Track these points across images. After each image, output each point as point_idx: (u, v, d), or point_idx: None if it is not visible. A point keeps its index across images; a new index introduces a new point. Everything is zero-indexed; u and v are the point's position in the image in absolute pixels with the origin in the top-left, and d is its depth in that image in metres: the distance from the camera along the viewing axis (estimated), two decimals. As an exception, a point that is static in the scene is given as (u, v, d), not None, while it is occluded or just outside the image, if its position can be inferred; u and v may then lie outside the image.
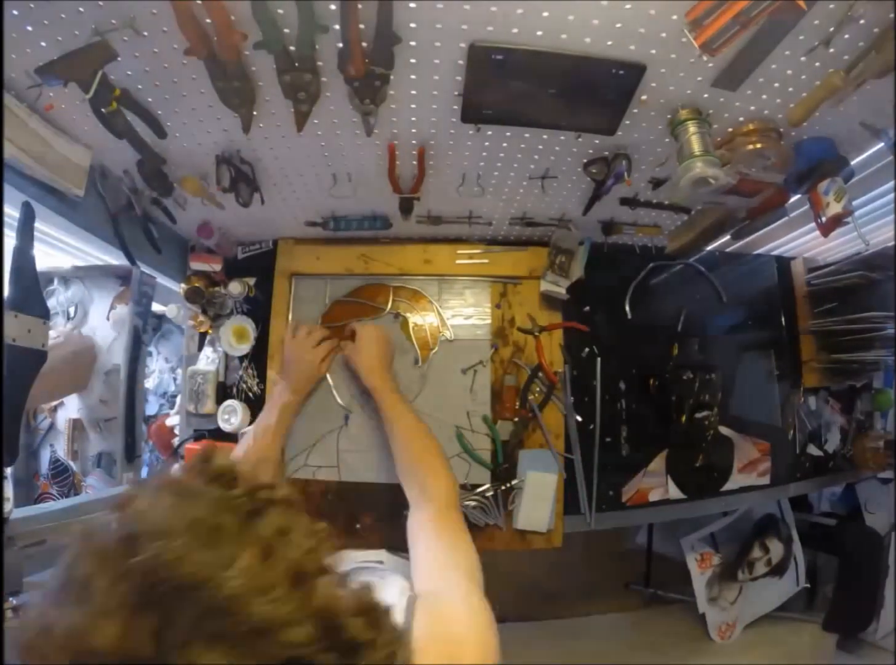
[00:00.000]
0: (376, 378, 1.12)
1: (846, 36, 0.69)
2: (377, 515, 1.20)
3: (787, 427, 1.48)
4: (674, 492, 1.34)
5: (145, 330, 1.37)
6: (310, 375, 1.19)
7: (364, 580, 0.47)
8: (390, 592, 0.61)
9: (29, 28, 0.67)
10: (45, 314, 0.90)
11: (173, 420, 1.40)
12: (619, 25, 0.68)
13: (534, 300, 1.31)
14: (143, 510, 0.41)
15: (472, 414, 1.26)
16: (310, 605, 0.39)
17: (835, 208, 0.93)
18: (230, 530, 0.40)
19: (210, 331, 1.30)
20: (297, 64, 0.73)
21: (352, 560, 0.91)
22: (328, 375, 1.26)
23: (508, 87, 0.78)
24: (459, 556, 0.73)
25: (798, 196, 1.05)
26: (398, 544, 0.96)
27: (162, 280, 1.37)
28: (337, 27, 0.67)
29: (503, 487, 1.23)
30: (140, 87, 0.78)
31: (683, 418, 1.34)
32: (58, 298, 1.42)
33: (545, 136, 0.93)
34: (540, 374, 1.27)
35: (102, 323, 1.40)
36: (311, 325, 1.23)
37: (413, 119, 0.87)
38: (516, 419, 1.26)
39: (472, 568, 0.71)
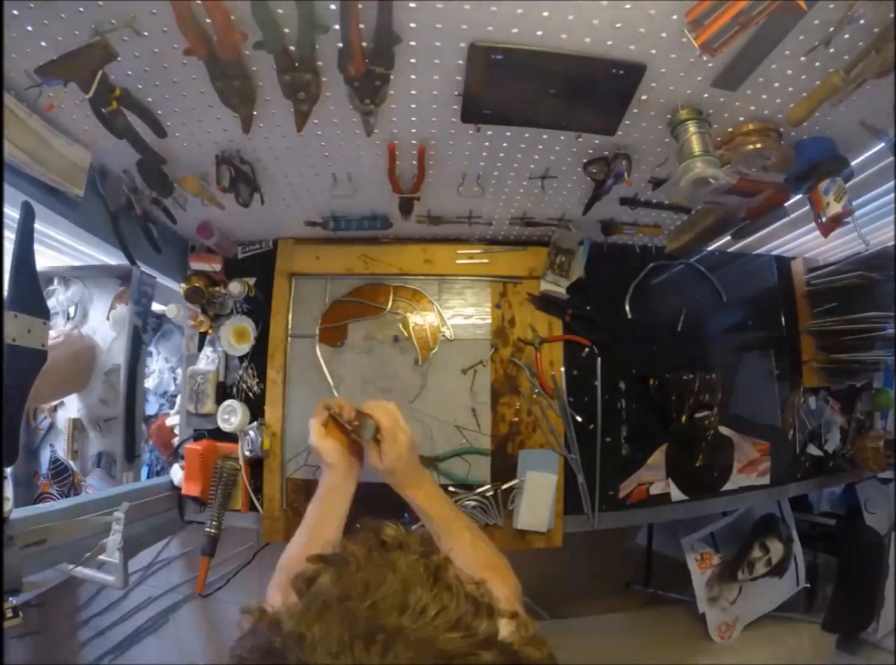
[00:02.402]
0: (411, 481, 0.93)
1: (846, 36, 0.69)
2: (377, 516, 1.19)
3: (787, 427, 1.48)
4: (674, 491, 1.34)
5: (145, 330, 1.38)
6: (347, 466, 0.95)
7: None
8: None
9: (29, 28, 0.67)
10: (45, 314, 0.90)
11: (173, 420, 1.41)
12: (619, 25, 0.68)
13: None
14: (347, 580, 0.43)
15: (471, 414, 1.26)
16: (494, 632, 0.42)
17: (835, 208, 0.93)
18: (423, 581, 0.43)
19: (210, 331, 1.30)
20: (297, 64, 0.73)
21: None
22: (328, 376, 1.26)
23: (508, 87, 0.78)
24: None
25: (798, 196, 1.05)
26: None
27: (162, 280, 1.37)
28: (337, 27, 0.67)
29: (503, 487, 1.23)
30: (140, 86, 0.78)
31: (683, 418, 1.34)
32: (58, 298, 1.42)
33: (545, 136, 0.93)
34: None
35: (102, 323, 1.41)
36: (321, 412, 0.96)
37: (413, 119, 0.87)
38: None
39: None
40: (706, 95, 0.81)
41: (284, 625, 0.40)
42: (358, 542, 0.50)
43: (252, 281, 1.31)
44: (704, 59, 0.72)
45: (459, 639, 0.39)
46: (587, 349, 1.33)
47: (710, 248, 1.42)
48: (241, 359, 1.29)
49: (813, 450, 1.52)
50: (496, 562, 0.86)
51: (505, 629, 0.44)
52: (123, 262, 1.17)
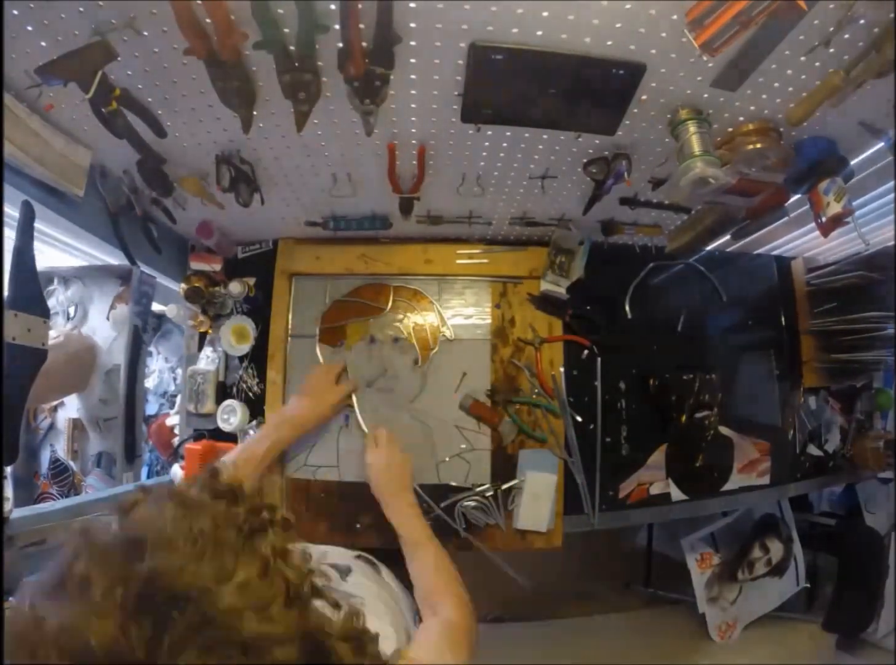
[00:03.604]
0: (392, 496, 1.03)
1: (846, 36, 0.69)
2: (377, 515, 1.19)
3: (787, 427, 1.48)
4: (674, 491, 1.34)
5: (145, 330, 1.38)
6: (319, 414, 1.16)
7: (354, 605, 0.48)
8: (379, 621, 0.63)
9: (29, 28, 0.67)
10: (44, 313, 0.90)
11: (173, 420, 1.41)
12: (619, 25, 0.68)
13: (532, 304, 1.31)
14: (148, 518, 0.41)
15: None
16: (301, 625, 0.39)
17: (835, 208, 0.93)
18: (231, 545, 0.40)
19: (210, 331, 1.30)
20: (297, 64, 0.72)
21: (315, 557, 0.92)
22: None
23: (508, 87, 0.78)
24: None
25: (798, 196, 1.05)
26: (398, 546, 0.96)
27: (162, 280, 1.37)
28: (337, 27, 0.67)
29: (503, 487, 1.23)
30: (140, 86, 0.78)
31: (683, 418, 1.34)
32: (58, 298, 1.42)
33: (545, 136, 0.93)
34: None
35: (102, 323, 1.40)
36: (340, 365, 1.24)
37: (413, 119, 0.87)
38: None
39: None
40: (706, 95, 0.81)
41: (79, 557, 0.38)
42: (191, 480, 0.48)
43: (252, 281, 1.31)
44: (704, 59, 0.72)
45: (255, 623, 0.37)
46: (587, 349, 1.33)
47: (710, 248, 1.41)
48: (241, 359, 1.29)
49: (813, 450, 1.52)
50: (453, 589, 0.85)
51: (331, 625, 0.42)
52: (123, 262, 1.17)
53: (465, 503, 1.22)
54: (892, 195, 1.13)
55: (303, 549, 0.46)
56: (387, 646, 0.62)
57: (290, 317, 1.30)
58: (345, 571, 0.83)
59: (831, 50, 0.71)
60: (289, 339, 1.29)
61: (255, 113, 0.82)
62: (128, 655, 0.34)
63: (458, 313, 1.31)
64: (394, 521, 0.98)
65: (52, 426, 1.45)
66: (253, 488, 0.48)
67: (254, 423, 1.24)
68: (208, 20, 0.65)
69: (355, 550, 0.92)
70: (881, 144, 0.93)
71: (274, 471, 1.17)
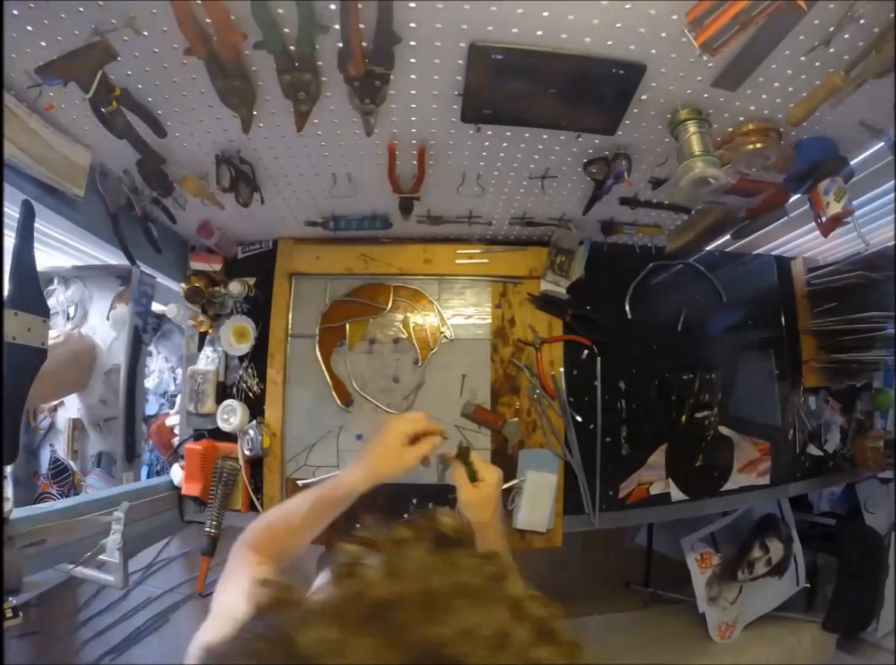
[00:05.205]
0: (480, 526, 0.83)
1: (846, 36, 0.69)
2: (377, 515, 1.19)
3: (787, 427, 1.48)
4: (674, 491, 1.34)
5: (145, 330, 1.37)
6: (389, 473, 0.84)
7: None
8: None
9: (29, 28, 0.67)
10: (44, 312, 0.90)
11: (173, 420, 1.41)
12: (619, 25, 0.68)
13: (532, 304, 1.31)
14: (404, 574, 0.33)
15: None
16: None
17: (835, 208, 0.93)
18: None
19: (210, 331, 1.30)
20: (297, 64, 0.73)
21: None
22: (328, 376, 1.26)
23: (508, 87, 0.78)
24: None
25: (798, 196, 1.05)
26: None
27: (162, 280, 1.37)
28: (337, 27, 0.67)
29: (503, 487, 1.23)
30: (140, 86, 0.78)
31: (683, 418, 1.34)
32: (58, 298, 1.42)
33: (545, 136, 0.93)
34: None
35: (102, 323, 1.40)
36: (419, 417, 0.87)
37: (413, 119, 0.87)
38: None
39: None
40: (706, 95, 0.81)
41: (312, 620, 0.30)
42: (410, 526, 0.39)
43: (252, 281, 1.31)
44: (704, 59, 0.72)
45: None
46: (587, 349, 1.33)
47: (710, 248, 1.41)
48: (241, 359, 1.29)
49: (813, 450, 1.52)
50: None
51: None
52: (123, 262, 1.17)
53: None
54: (892, 195, 1.13)
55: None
56: None
57: (290, 317, 1.30)
58: None
59: (831, 50, 0.71)
60: (289, 339, 1.29)
61: (255, 113, 0.82)
62: None
63: (458, 313, 1.31)
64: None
65: (52, 426, 1.45)
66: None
67: (253, 422, 1.24)
68: (208, 20, 0.65)
69: None
70: (881, 144, 0.93)
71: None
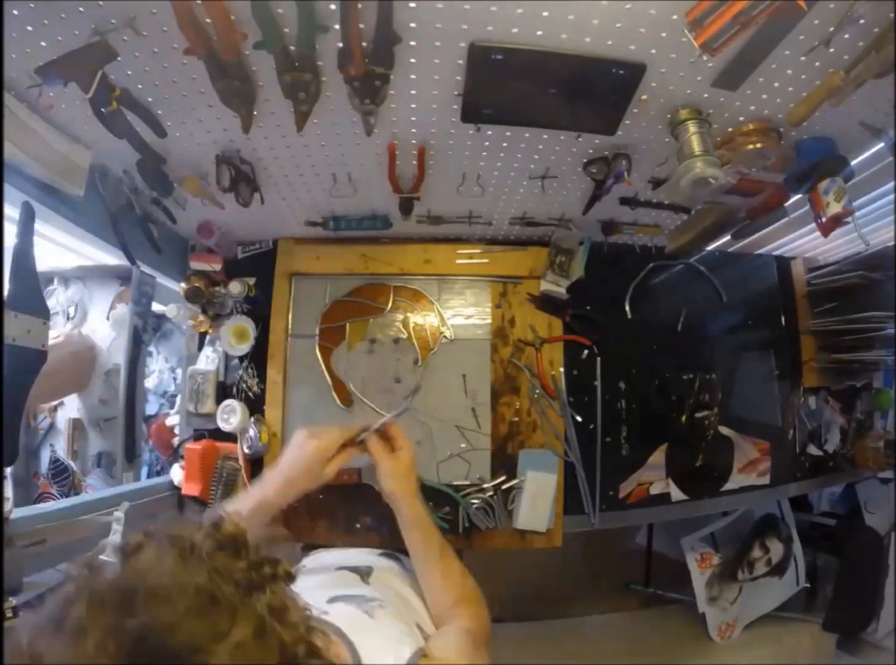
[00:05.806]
0: (409, 507, 0.87)
1: (846, 36, 0.69)
2: (377, 515, 1.20)
3: (787, 427, 1.48)
4: (674, 491, 1.34)
5: (145, 330, 1.37)
6: (308, 484, 0.87)
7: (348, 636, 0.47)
8: (380, 642, 0.60)
9: (29, 28, 0.67)
10: (45, 314, 0.90)
11: (173, 420, 1.40)
12: (619, 25, 0.68)
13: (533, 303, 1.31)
14: (148, 566, 0.41)
15: (471, 414, 1.26)
16: None
17: (835, 208, 0.93)
18: (229, 602, 0.39)
19: (210, 331, 1.30)
20: (297, 64, 0.73)
21: (334, 562, 0.90)
22: (328, 376, 1.26)
23: (508, 87, 0.78)
24: None
25: (798, 196, 1.05)
26: (397, 545, 0.96)
27: (162, 280, 1.37)
28: (337, 27, 0.67)
29: (503, 487, 1.23)
30: (140, 86, 0.78)
31: (683, 418, 1.34)
32: (58, 298, 1.42)
33: (545, 136, 0.93)
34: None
35: (102, 323, 1.41)
36: (330, 432, 0.88)
37: (413, 119, 0.87)
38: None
39: None
40: (706, 95, 0.81)
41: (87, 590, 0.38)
42: (203, 531, 0.45)
43: (252, 281, 1.31)
44: (704, 59, 0.72)
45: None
46: (587, 349, 1.33)
47: (710, 248, 1.41)
48: (241, 359, 1.29)
49: (813, 450, 1.52)
50: (468, 593, 0.81)
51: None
52: (123, 262, 1.17)
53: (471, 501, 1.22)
54: (892, 195, 1.13)
55: (303, 606, 0.45)
56: (408, 643, 0.62)
57: (290, 317, 1.30)
58: (365, 573, 0.82)
59: (831, 50, 0.71)
60: (289, 339, 1.29)
61: (255, 113, 0.82)
62: None
63: (458, 313, 1.31)
64: (409, 527, 0.87)
65: (52, 426, 1.45)
66: (257, 539, 0.47)
67: (251, 420, 1.24)
68: (208, 20, 0.65)
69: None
70: (881, 144, 0.93)
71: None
